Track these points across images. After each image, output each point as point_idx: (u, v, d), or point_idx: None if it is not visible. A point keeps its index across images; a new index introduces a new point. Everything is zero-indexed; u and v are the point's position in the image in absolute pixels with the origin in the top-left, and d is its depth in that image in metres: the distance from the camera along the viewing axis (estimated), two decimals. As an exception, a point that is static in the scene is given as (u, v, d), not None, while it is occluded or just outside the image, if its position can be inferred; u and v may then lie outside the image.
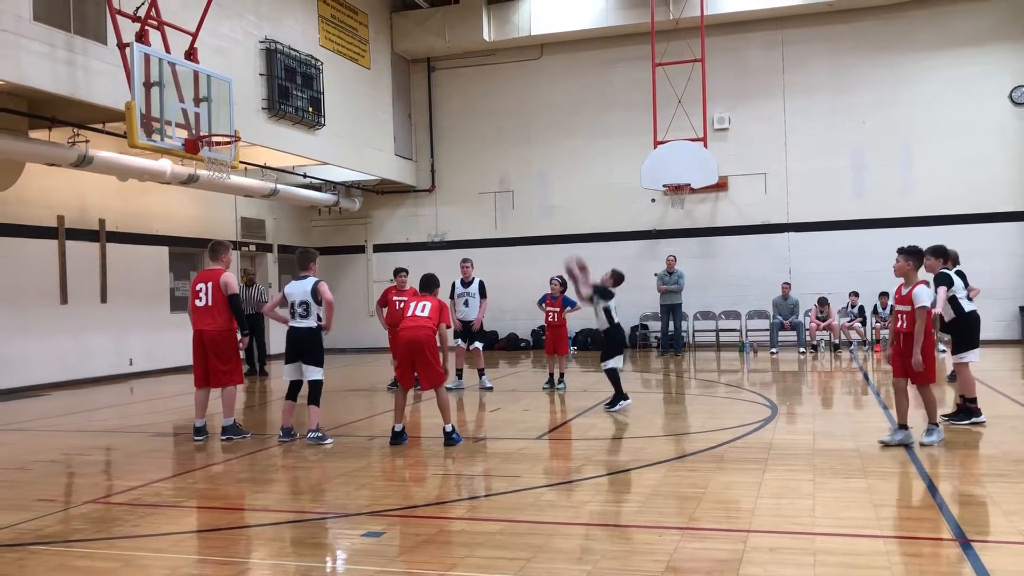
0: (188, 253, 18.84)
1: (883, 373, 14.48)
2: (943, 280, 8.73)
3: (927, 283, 7.85)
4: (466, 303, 13.02)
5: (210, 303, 9.09)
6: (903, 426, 7.68)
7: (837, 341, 18.17)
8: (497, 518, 5.81)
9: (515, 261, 20.81)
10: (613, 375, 10.40)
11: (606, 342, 10.60)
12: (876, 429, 8.66)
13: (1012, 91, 18.65)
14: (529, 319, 20.62)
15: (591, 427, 9.39)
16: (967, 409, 8.70)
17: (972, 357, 8.74)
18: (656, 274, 18.78)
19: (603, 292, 10.46)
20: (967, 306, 8.80)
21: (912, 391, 7.78)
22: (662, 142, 18.54)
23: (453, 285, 13.07)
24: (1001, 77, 18.71)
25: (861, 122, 19.43)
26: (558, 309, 12.68)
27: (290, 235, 22.28)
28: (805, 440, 8.13)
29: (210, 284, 9.08)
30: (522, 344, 21.18)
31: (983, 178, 18.69)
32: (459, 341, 12.98)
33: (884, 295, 18.01)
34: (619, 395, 10.38)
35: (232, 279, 9.26)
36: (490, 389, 12.77)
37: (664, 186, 18.74)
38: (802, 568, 4.48)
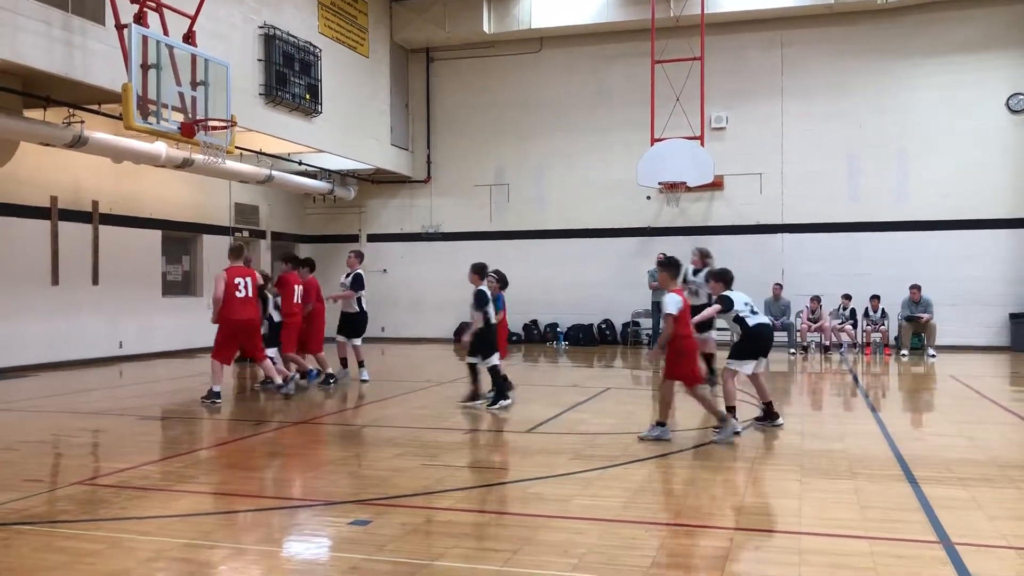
0: (181, 237, 18.79)
1: (872, 376, 14.54)
2: (721, 301, 8.79)
3: (681, 292, 8.29)
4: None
5: (250, 295, 10.75)
6: (661, 424, 8.09)
7: (828, 343, 18.23)
8: (485, 509, 5.82)
9: (509, 255, 20.78)
10: (495, 372, 10.23)
11: (481, 342, 10.22)
12: (864, 431, 8.69)
13: (1008, 98, 18.71)
14: (521, 314, 20.64)
15: (580, 422, 9.40)
16: (770, 413, 8.79)
17: (742, 368, 8.63)
18: (648, 271, 18.79)
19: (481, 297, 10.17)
20: (752, 320, 8.72)
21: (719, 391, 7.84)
22: (659, 139, 18.54)
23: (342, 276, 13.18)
24: (997, 84, 18.76)
25: (858, 125, 19.47)
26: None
27: (284, 222, 22.24)
28: (793, 440, 8.16)
29: (249, 279, 10.78)
30: (513, 338, 21.17)
31: (977, 185, 18.76)
32: (340, 336, 12.77)
33: (876, 298, 18.10)
34: (500, 393, 10.19)
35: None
36: (366, 382, 12.73)
37: (660, 184, 18.74)
38: (787, 567, 4.50)
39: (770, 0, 19.17)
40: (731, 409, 8.50)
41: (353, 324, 12.79)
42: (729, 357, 8.81)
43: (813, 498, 5.94)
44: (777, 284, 18.68)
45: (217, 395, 10.51)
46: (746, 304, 8.79)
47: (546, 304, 21.09)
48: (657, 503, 6.01)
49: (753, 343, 8.68)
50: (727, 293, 8.86)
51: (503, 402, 10.14)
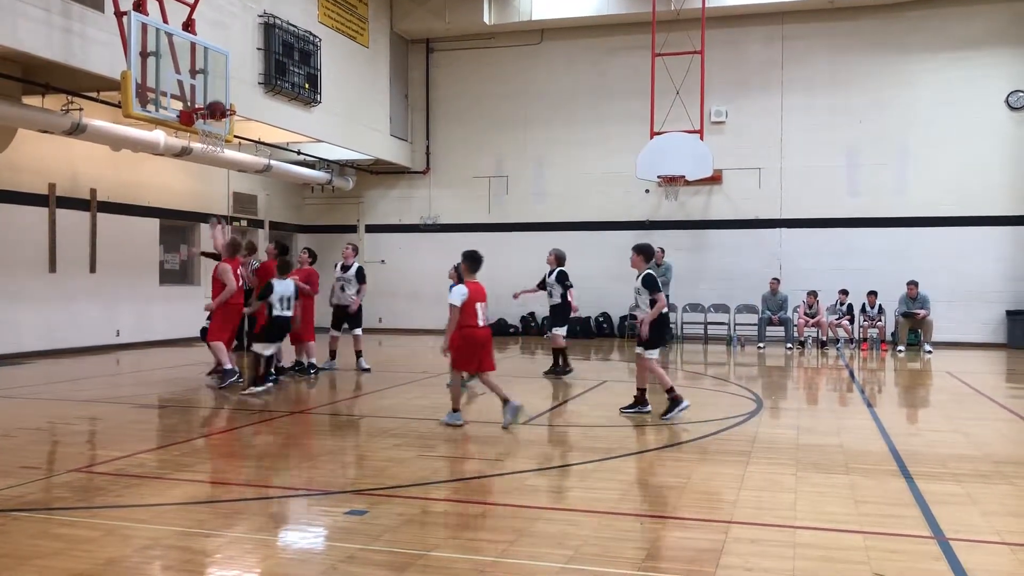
0: (179, 226, 18.77)
1: (868, 371, 14.57)
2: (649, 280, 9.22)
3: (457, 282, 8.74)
4: (343, 288, 13.02)
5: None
6: (505, 400, 8.33)
7: (825, 338, 18.25)
8: (481, 500, 5.83)
9: (508, 247, 20.78)
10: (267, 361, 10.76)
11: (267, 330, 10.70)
12: (860, 427, 8.71)
13: (1008, 96, 18.70)
14: (519, 306, 20.61)
15: (578, 414, 9.42)
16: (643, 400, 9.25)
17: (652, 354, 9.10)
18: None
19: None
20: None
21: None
22: (659, 133, 18.54)
23: (335, 267, 13.34)
24: (998, 81, 18.75)
25: (858, 121, 19.46)
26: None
27: (282, 211, 22.21)
28: (789, 435, 8.18)
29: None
30: (511, 330, 21.21)
31: (976, 181, 18.76)
32: (334, 330, 13.16)
33: (873, 294, 18.13)
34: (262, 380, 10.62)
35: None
36: (368, 371, 12.83)
37: (659, 177, 18.75)
38: (782, 560, 4.51)
39: (771, -6, 19.17)
40: (642, 391, 9.27)
41: (355, 315, 12.96)
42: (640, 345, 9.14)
43: (808, 492, 5.96)
44: (774, 279, 18.70)
45: (231, 372, 10.88)
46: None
47: (543, 296, 21.02)
48: (652, 496, 6.03)
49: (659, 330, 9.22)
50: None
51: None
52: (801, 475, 6.48)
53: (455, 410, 8.52)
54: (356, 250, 13.58)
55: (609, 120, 20.67)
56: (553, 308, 12.85)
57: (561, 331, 12.62)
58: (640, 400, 9.21)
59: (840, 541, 4.89)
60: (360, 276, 13.02)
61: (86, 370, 13.42)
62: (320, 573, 4.34)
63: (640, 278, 9.12)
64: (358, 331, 13.04)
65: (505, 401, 8.31)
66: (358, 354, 13.04)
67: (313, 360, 12.38)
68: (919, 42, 19.13)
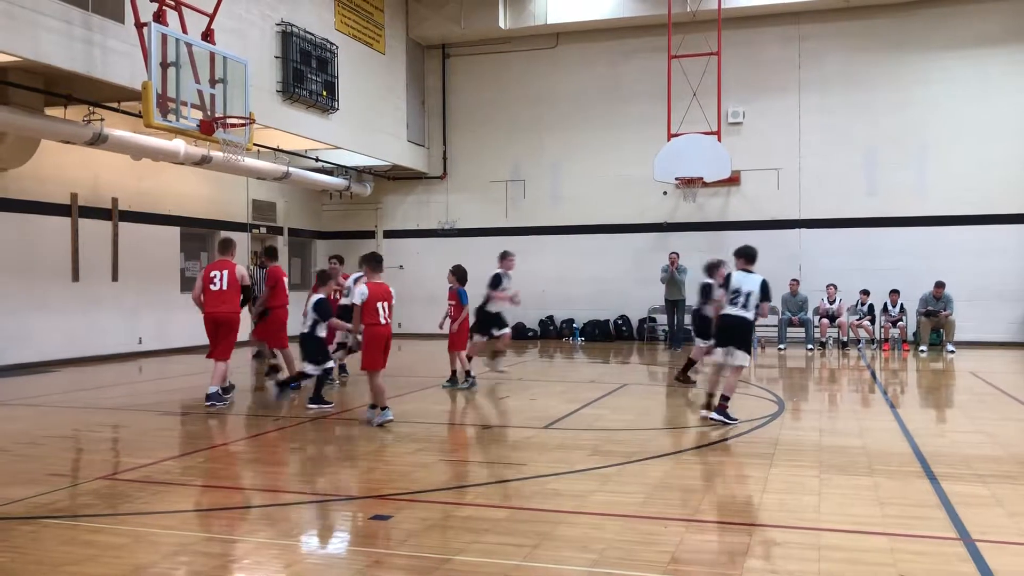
0: (199, 234, 18.91)
1: (890, 372, 14.47)
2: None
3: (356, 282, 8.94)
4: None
5: (225, 288, 10.17)
6: (383, 408, 8.66)
7: (845, 339, 18.15)
8: (504, 505, 5.85)
9: (525, 251, 20.72)
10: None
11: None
12: (883, 428, 8.67)
13: (1029, 92, 18.55)
14: (537, 309, 20.68)
15: (598, 418, 9.42)
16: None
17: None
18: (662, 267, 18.76)
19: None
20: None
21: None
22: (676, 135, 18.51)
23: (499, 277, 12.21)
24: (1016, 79, 18.59)
25: (876, 120, 19.35)
26: (454, 303, 11.76)
27: (301, 218, 22.33)
28: (811, 436, 8.15)
29: (226, 272, 10.19)
30: (529, 334, 21.21)
31: (997, 180, 18.60)
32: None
33: (895, 293, 18.02)
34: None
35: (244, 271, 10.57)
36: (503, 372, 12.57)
37: (676, 179, 18.71)
38: (807, 562, 4.50)
39: (787, -6, 19.11)
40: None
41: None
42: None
43: (832, 494, 5.94)
44: (794, 280, 18.61)
45: (216, 396, 10.01)
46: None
47: (562, 300, 21.11)
48: (676, 499, 6.03)
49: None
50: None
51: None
52: (824, 477, 6.46)
53: (383, 408, 8.65)
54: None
55: (626, 122, 20.65)
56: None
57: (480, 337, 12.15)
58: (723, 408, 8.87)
59: (865, 543, 4.87)
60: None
61: (109, 378, 13.55)
62: (346, 578, 4.37)
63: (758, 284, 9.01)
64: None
65: (376, 407, 8.63)
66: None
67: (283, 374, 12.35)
68: (936, 40, 19.00)
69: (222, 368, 10.20)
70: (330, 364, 10.30)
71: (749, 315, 8.88)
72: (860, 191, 19.48)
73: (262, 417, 9.57)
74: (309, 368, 9.93)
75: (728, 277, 9.31)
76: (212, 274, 10.20)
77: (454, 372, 11.81)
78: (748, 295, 8.89)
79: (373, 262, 9.00)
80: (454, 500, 5.92)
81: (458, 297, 11.68)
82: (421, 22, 21.23)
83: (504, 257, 12.42)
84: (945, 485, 6.11)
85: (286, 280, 12.15)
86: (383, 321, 8.60)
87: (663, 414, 10.13)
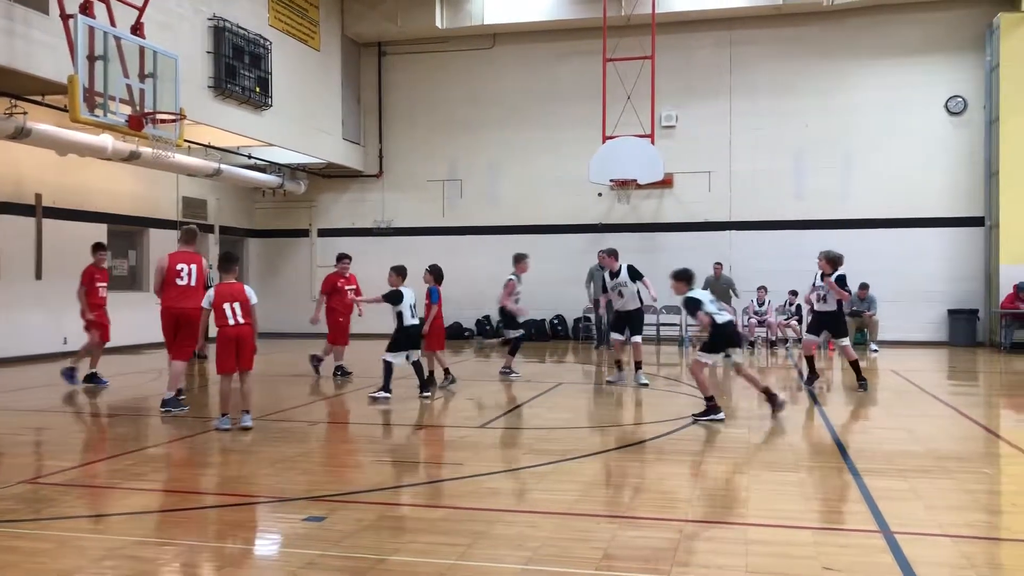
0: (128, 231, 18.46)
1: (816, 370, 14.83)
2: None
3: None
4: (620, 293, 12.28)
5: (193, 283, 9.56)
6: (224, 413, 8.54)
7: (774, 338, 18.58)
8: (439, 504, 5.86)
9: (462, 250, 20.81)
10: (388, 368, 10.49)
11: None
12: (809, 424, 8.91)
13: (947, 101, 19.25)
14: (475, 309, 20.70)
15: (534, 416, 9.48)
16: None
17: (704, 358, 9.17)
18: (590, 269, 18.90)
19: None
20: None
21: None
22: (610, 137, 18.72)
23: (594, 273, 12.29)
24: (937, 87, 19.28)
25: (804, 125, 19.86)
26: (427, 301, 11.72)
27: (233, 216, 21.96)
28: (740, 434, 8.33)
29: (195, 266, 9.63)
30: (466, 334, 21.21)
31: (918, 184, 19.27)
32: (615, 334, 12.41)
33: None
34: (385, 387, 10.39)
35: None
36: (645, 386, 11.88)
37: (611, 181, 18.93)
38: (735, 557, 4.62)
39: (720, 0, 19.47)
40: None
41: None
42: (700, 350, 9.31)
43: (759, 490, 6.09)
44: (717, 263, 18.87)
45: (171, 402, 9.39)
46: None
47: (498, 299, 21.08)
48: (609, 496, 6.11)
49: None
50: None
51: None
52: (752, 473, 6.63)
53: (224, 414, 8.52)
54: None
55: (561, 124, 20.81)
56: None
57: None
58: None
59: (791, 537, 5.02)
60: (633, 274, 12.46)
61: (31, 379, 13.14)
62: (279, 580, 4.34)
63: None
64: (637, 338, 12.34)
65: (225, 414, 8.53)
66: (638, 366, 12.35)
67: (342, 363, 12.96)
68: (863, 48, 19.58)
69: (179, 369, 9.55)
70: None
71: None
72: (788, 194, 19.97)
73: (190, 419, 9.39)
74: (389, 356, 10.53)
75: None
76: (179, 267, 9.45)
77: (431, 373, 11.55)
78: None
79: (222, 262, 8.90)
80: (389, 500, 5.91)
81: (429, 296, 11.59)
82: (357, 20, 21.07)
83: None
84: (867, 480, 6.32)
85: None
86: (232, 323, 8.45)
87: (598, 413, 10.25)
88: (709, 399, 8.99)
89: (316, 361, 13.17)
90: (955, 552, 4.75)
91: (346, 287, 12.94)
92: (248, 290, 8.61)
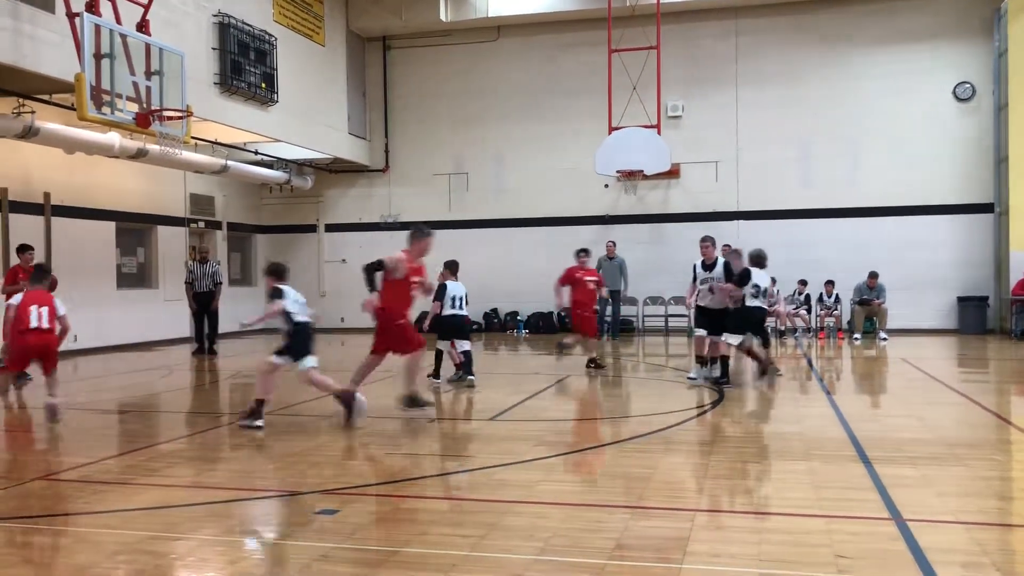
0: (136, 228, 18.52)
1: (826, 360, 14.84)
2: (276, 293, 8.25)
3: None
4: (711, 289, 11.21)
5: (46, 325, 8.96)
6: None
7: (783, 328, 18.55)
8: (451, 496, 5.89)
9: (469, 244, 20.78)
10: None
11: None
12: (819, 414, 8.90)
13: (955, 87, 19.14)
14: (482, 302, 20.71)
15: (544, 409, 9.50)
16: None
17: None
18: (599, 260, 18.90)
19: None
20: (298, 319, 8.29)
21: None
22: (616, 128, 18.68)
23: (694, 268, 11.58)
24: (945, 73, 19.18)
25: (811, 113, 19.78)
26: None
27: (240, 212, 22.01)
28: (750, 424, 8.34)
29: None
30: (474, 327, 21.18)
31: (927, 172, 19.18)
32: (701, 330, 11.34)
33: (830, 283, 18.49)
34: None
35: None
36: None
37: (617, 172, 18.90)
38: (747, 545, 4.63)
39: (724, -11, 19.42)
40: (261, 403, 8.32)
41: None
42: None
43: (771, 479, 6.10)
44: (726, 245, 18.70)
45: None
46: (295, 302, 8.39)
47: (506, 292, 21.16)
48: (619, 487, 6.13)
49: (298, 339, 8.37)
50: (281, 286, 8.39)
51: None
52: (763, 463, 6.63)
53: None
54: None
55: (567, 116, 20.77)
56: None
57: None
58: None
59: (803, 525, 5.02)
60: (728, 271, 11.17)
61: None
62: (294, 573, 4.36)
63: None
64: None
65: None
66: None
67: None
68: (869, 35, 19.49)
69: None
70: None
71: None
72: (796, 183, 19.91)
73: (201, 415, 9.43)
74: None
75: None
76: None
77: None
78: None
79: (40, 273, 9.22)
80: (401, 493, 5.93)
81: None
82: (361, 14, 21.06)
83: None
84: (878, 468, 6.32)
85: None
86: (33, 326, 8.65)
87: (606, 405, 10.26)
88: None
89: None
90: (967, 539, 4.75)
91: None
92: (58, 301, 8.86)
